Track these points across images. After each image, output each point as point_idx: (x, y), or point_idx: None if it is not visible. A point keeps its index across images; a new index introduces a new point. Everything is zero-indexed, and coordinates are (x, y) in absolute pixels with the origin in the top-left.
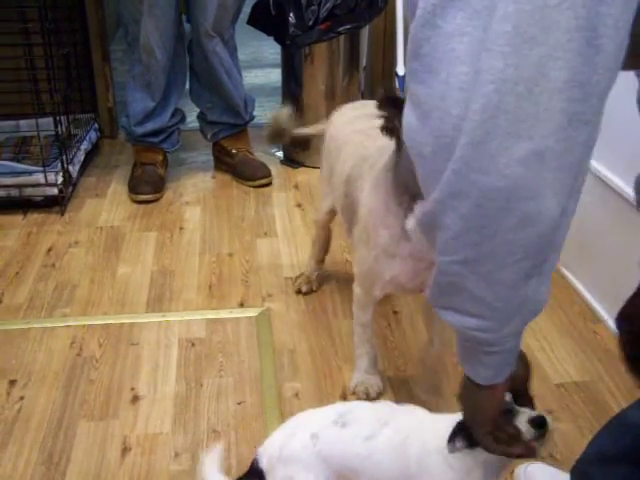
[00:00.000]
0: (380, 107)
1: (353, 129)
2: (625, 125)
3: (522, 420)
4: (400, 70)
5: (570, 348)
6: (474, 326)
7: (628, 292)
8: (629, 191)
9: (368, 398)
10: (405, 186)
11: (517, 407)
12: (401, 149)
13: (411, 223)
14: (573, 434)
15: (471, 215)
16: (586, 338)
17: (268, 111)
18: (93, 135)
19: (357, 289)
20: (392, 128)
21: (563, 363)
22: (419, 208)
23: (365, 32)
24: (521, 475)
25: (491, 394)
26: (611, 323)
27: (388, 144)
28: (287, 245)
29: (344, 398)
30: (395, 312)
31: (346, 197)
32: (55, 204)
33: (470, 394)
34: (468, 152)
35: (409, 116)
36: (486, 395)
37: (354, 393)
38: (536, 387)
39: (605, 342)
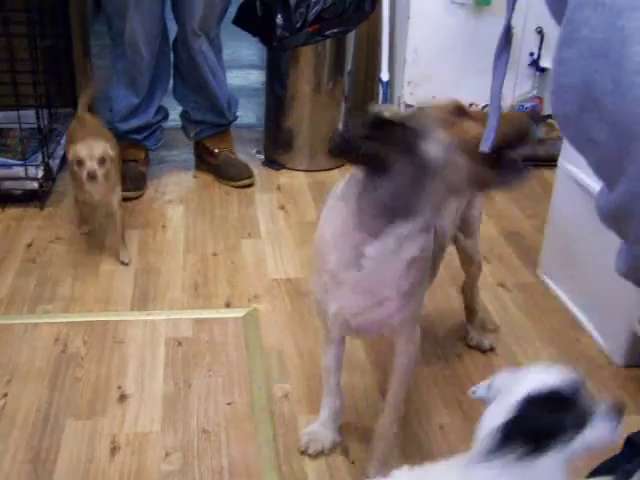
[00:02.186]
0: (366, 128)
1: None
2: None
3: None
4: (384, 76)
5: (554, 355)
6: None
7: (610, 301)
8: None
9: (305, 453)
10: (380, 210)
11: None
12: (380, 173)
13: (372, 250)
14: None
15: None
16: (569, 345)
17: (249, 112)
18: None
19: (322, 330)
20: (375, 154)
21: None
22: (604, 199)
23: (351, 36)
24: None
25: None
26: (592, 331)
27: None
28: (272, 247)
29: None
30: None
31: None
32: (34, 198)
33: None
34: None
35: (564, 107)
36: None
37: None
38: None
39: (587, 349)
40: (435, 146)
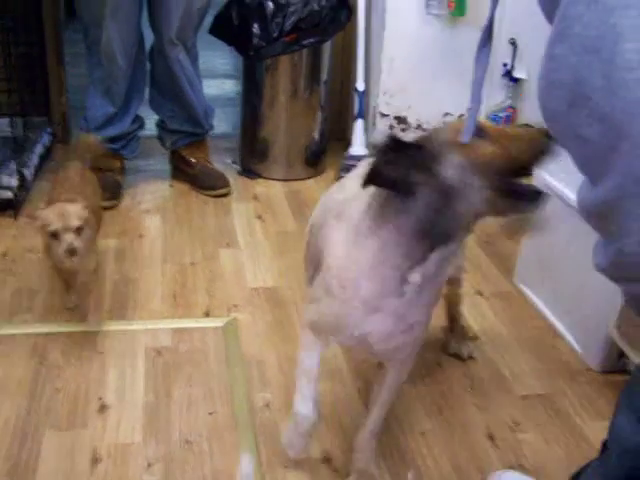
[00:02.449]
0: (384, 152)
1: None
2: None
3: None
4: (360, 86)
5: (532, 362)
6: None
7: (586, 307)
8: None
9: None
10: (420, 236)
11: None
12: (406, 197)
13: (417, 277)
14: (539, 444)
15: None
16: (546, 352)
17: (224, 121)
18: (46, 139)
19: (307, 333)
20: (396, 178)
21: (527, 376)
22: (588, 195)
23: (327, 47)
24: None
25: None
26: (569, 337)
27: (355, 194)
28: (250, 256)
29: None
30: None
31: (309, 246)
32: (8, 208)
33: None
34: None
35: (553, 103)
36: None
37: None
38: (501, 399)
39: (564, 355)
40: (450, 169)
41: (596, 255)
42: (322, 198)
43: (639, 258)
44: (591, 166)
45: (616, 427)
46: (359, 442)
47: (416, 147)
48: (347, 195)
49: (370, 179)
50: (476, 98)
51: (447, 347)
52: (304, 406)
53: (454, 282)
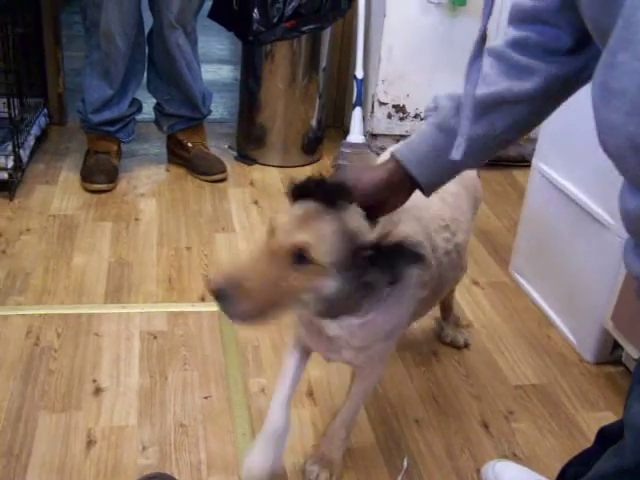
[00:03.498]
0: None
1: None
2: (586, 139)
3: None
4: (359, 73)
5: (526, 352)
6: None
7: (580, 298)
8: (586, 201)
9: None
10: None
11: None
12: None
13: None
14: (533, 433)
15: None
16: (541, 342)
17: (220, 107)
18: (42, 120)
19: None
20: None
21: (520, 366)
22: (637, 203)
23: (327, 34)
24: (489, 472)
25: None
26: (563, 328)
27: None
28: (246, 241)
29: (310, 395)
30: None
31: None
32: (4, 189)
33: None
34: None
35: (611, 113)
36: None
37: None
38: (496, 388)
39: (558, 346)
40: None
41: (634, 259)
42: None
43: None
44: None
45: (631, 414)
46: (329, 428)
47: None
48: None
49: None
50: (466, 116)
51: (442, 336)
52: (271, 412)
53: None
